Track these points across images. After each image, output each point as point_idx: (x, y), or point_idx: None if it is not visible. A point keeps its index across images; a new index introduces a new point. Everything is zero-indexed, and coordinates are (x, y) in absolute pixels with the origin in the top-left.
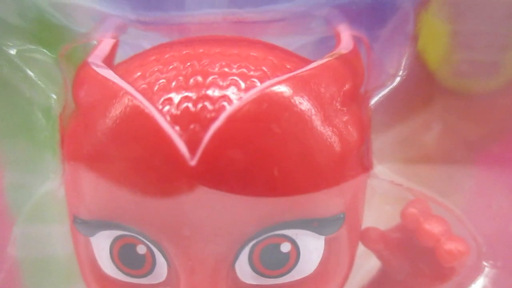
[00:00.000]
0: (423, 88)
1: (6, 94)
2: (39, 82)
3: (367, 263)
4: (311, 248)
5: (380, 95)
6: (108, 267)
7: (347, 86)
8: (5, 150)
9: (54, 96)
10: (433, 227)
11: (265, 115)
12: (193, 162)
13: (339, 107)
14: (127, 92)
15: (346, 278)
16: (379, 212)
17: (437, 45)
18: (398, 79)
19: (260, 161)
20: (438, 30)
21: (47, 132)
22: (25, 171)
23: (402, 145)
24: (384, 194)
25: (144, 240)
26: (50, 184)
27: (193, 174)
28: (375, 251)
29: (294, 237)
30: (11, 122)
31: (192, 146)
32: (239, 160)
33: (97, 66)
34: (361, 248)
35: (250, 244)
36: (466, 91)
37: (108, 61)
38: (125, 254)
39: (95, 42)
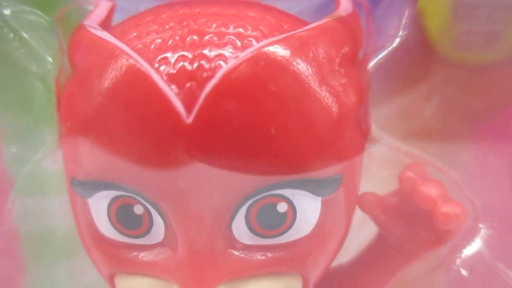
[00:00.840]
0: (423, 60)
1: (1, 64)
2: (34, 44)
3: (364, 230)
4: (308, 208)
5: (380, 57)
6: (106, 228)
7: (345, 49)
8: (3, 122)
9: (50, 59)
10: (430, 190)
11: (261, 73)
12: (189, 120)
13: (337, 68)
14: (122, 51)
15: (342, 241)
16: (376, 177)
17: (438, 17)
18: (397, 40)
19: (256, 119)
20: (439, 1)
21: (44, 100)
22: (24, 143)
23: (401, 118)
24: (382, 159)
25: (141, 200)
26: (48, 156)
27: (189, 131)
28: (372, 215)
29: (290, 197)
30: (7, 93)
31: (188, 104)
32: (235, 117)
33: (93, 28)
34: (358, 214)
35: (247, 204)
36: (467, 63)
37: (105, 25)
38: (122, 215)
39: (91, 7)
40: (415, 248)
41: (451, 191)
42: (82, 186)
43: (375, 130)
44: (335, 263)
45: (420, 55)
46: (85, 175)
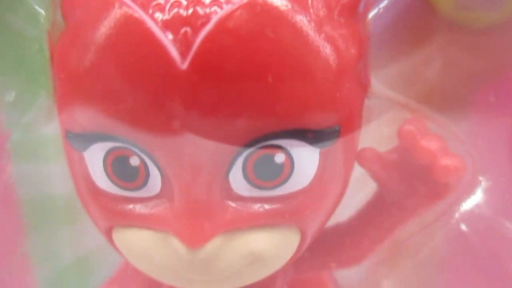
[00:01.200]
0: (425, 21)
1: None
2: None
3: (364, 188)
4: (306, 160)
5: (380, 8)
6: (102, 181)
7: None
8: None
9: (43, 12)
10: (430, 144)
11: (258, 19)
12: (184, 66)
13: (336, 18)
14: None
15: (340, 196)
16: (376, 135)
17: None
18: None
19: (253, 65)
20: None
21: (37, 57)
22: (23, 109)
23: (402, 80)
24: (381, 114)
25: (137, 151)
26: (45, 118)
27: (184, 78)
28: (371, 171)
29: (288, 148)
30: (3, 58)
31: (184, 50)
32: (231, 64)
33: None
34: (357, 172)
35: (244, 154)
36: (469, 24)
37: None
38: (118, 167)
39: None
40: (414, 203)
41: (450, 146)
42: (77, 138)
43: (374, 84)
44: (334, 221)
45: (421, 16)
46: (80, 127)
